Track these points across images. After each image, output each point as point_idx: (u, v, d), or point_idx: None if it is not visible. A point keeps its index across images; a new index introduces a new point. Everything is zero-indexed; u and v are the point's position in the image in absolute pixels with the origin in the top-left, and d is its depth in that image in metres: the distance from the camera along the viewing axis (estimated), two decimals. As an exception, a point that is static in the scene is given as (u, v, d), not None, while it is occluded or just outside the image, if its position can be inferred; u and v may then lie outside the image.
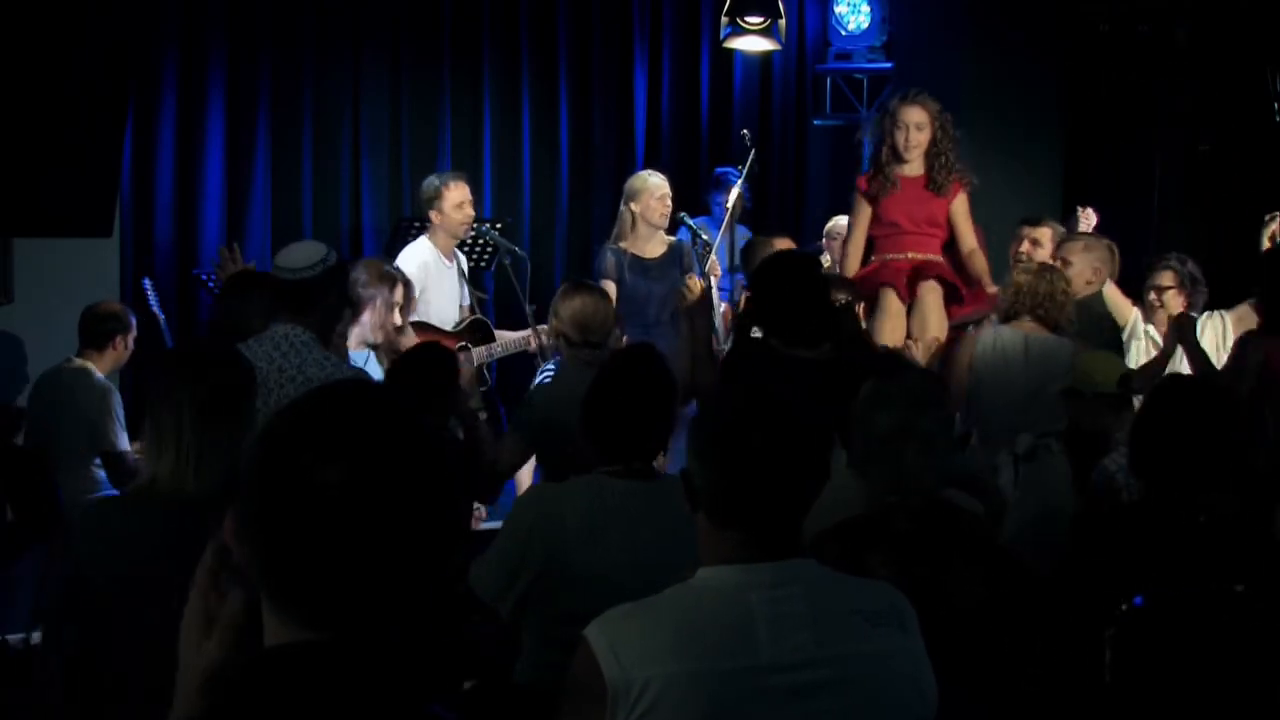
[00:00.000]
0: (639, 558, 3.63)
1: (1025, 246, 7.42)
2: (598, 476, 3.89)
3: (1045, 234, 7.59)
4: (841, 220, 8.28)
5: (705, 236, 8.15)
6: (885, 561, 3.22)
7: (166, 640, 1.85)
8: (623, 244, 7.97)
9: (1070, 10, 9.28)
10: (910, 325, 6.97)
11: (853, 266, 7.15)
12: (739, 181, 8.47)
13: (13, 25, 5.66)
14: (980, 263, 7.29)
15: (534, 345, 7.41)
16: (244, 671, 1.70)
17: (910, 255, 7.13)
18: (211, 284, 8.89)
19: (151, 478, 3.46)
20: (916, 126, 7.10)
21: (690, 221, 8.14)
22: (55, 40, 5.77)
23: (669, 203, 8.07)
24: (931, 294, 6.97)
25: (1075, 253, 6.97)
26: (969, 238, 7.33)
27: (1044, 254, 7.42)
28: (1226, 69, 8.87)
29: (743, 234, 8.90)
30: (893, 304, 6.96)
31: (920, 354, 6.42)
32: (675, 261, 7.97)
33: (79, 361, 6.95)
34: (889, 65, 10.50)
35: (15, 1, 5.71)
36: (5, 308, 7.62)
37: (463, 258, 8.05)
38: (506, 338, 7.85)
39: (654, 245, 7.94)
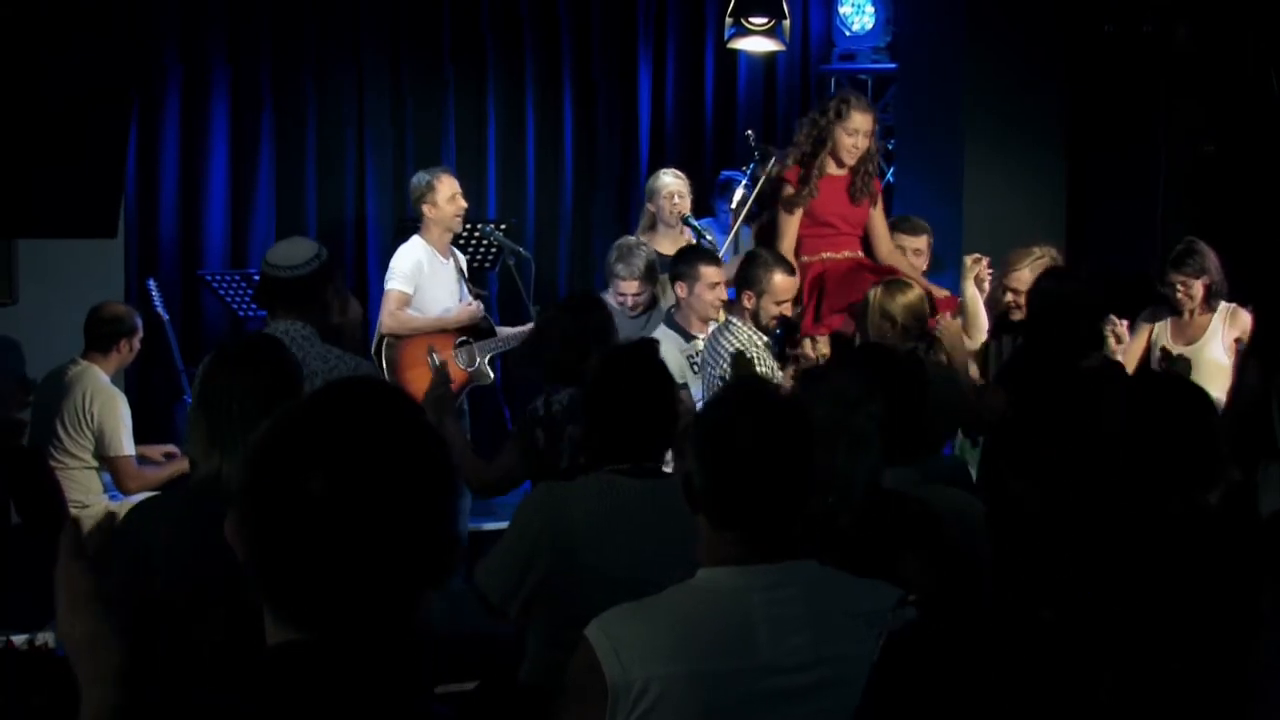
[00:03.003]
0: (648, 558, 3.57)
1: (910, 258, 7.42)
2: (606, 475, 3.85)
3: (923, 242, 7.62)
4: (665, 178, 8.22)
5: (710, 238, 8.15)
6: (834, 561, 3.19)
7: (240, 631, 1.85)
8: (643, 239, 7.98)
9: (1074, 11, 9.27)
10: None
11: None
12: (744, 183, 8.47)
13: (15, 24, 5.67)
14: (905, 263, 7.36)
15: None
16: (239, 673, 1.71)
17: (847, 255, 7.15)
18: (216, 284, 8.91)
19: (214, 473, 3.44)
20: (865, 134, 7.11)
21: (694, 223, 8.14)
22: (58, 40, 5.77)
23: (677, 201, 8.06)
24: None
25: (1024, 281, 6.79)
26: (888, 241, 7.40)
27: (923, 263, 7.51)
28: (1231, 69, 8.85)
29: (746, 235, 8.89)
30: None
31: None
32: None
33: (83, 363, 6.94)
34: (893, 66, 10.50)
35: (18, 1, 5.72)
36: (9, 308, 7.63)
37: (460, 255, 8.02)
38: (506, 332, 7.84)
39: (670, 243, 7.94)
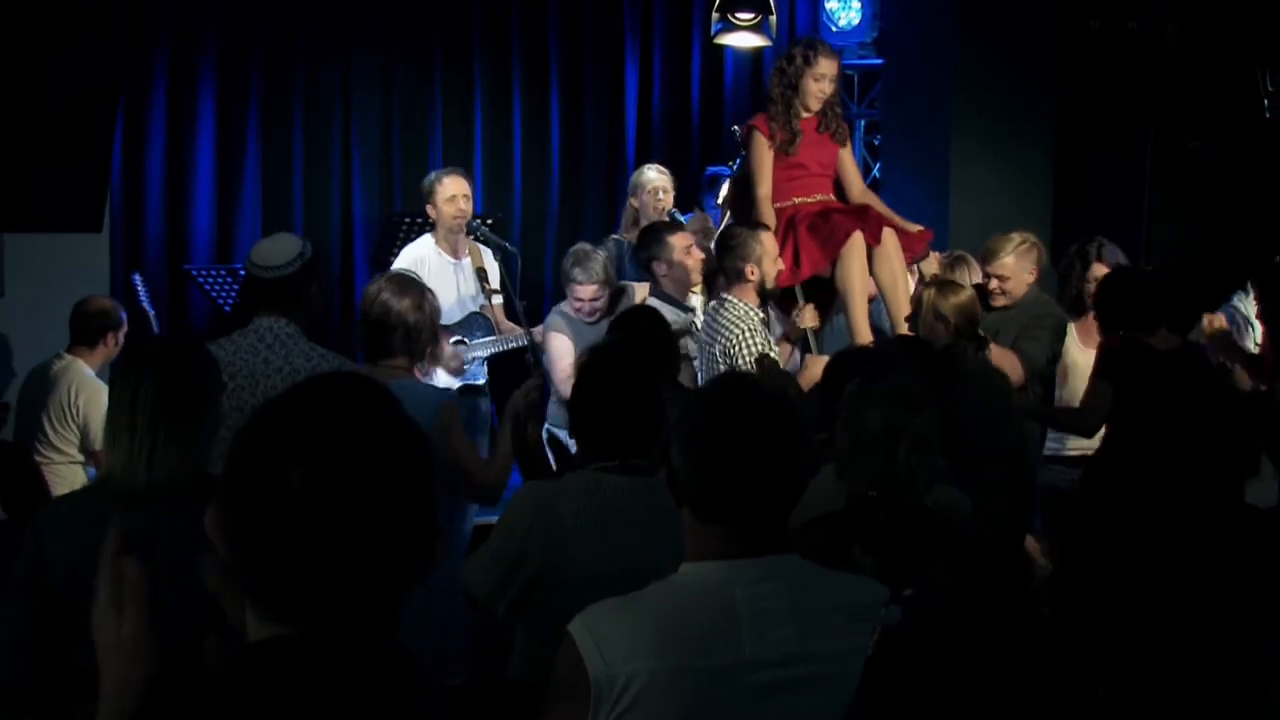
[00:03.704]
0: (637, 555, 3.55)
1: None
2: (594, 473, 3.83)
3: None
4: (649, 173, 8.23)
5: (693, 233, 8.15)
6: (866, 552, 3.21)
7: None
8: (627, 236, 7.96)
9: (1061, 7, 9.29)
10: (876, 272, 6.97)
11: (769, 211, 7.10)
12: (730, 177, 8.47)
13: (15, 24, 5.65)
14: (879, 201, 7.46)
15: (525, 341, 7.38)
16: (223, 667, 1.70)
17: (819, 198, 7.18)
18: (201, 279, 8.90)
19: (107, 473, 3.44)
20: (831, 79, 7.16)
21: (680, 218, 8.14)
22: (45, 35, 5.76)
23: (661, 197, 8.05)
24: (891, 239, 7.00)
25: (1007, 269, 6.88)
26: (859, 180, 7.49)
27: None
28: (1217, 66, 8.87)
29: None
30: (860, 248, 6.95)
31: (902, 303, 6.57)
32: None
33: (68, 357, 6.93)
34: (880, 61, 10.51)
35: (18, 1, 5.71)
36: (-5, 303, 7.63)
37: (487, 254, 7.86)
38: (505, 330, 7.78)
39: None
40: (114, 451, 3.42)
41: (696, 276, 6.96)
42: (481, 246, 7.82)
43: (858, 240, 6.85)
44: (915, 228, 7.14)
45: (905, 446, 3.54)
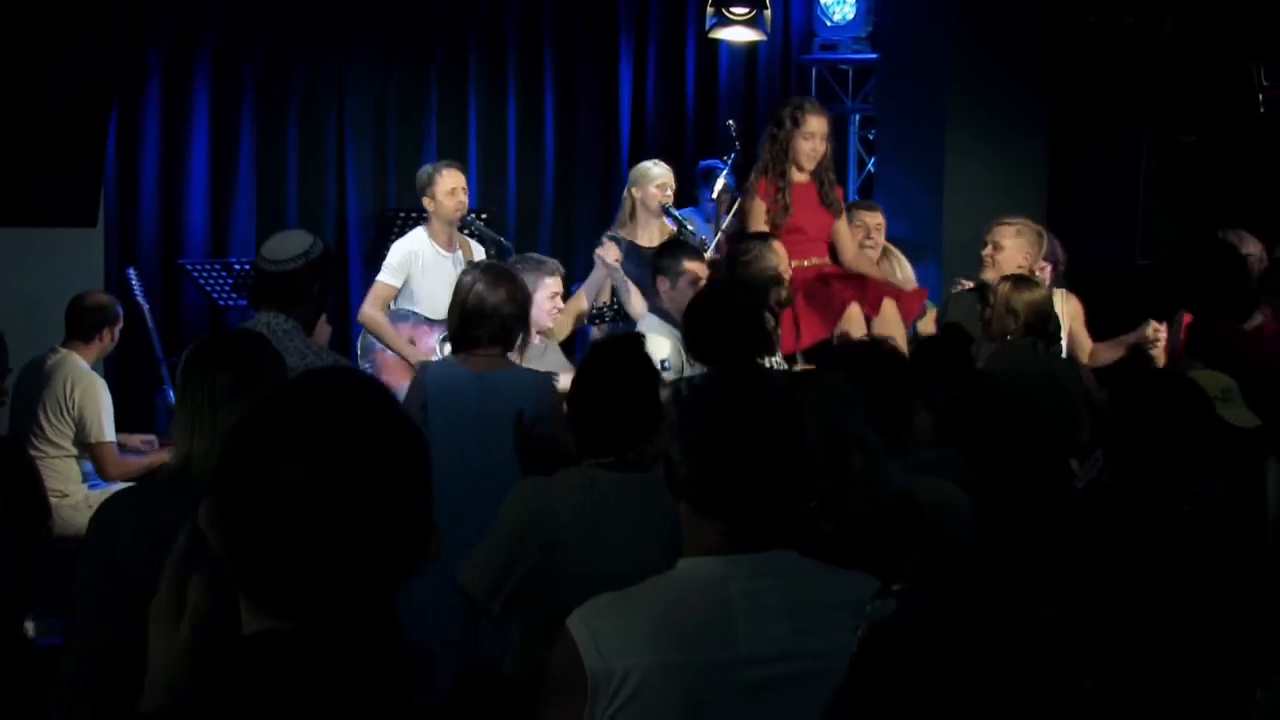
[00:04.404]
0: (633, 551, 3.54)
1: (873, 234, 7.65)
2: (590, 469, 3.84)
3: (881, 218, 7.86)
4: (655, 168, 8.18)
5: (691, 227, 8.12)
6: (825, 557, 3.17)
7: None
8: (622, 231, 7.94)
9: (1057, 2, 9.29)
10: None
11: None
12: (724, 173, 8.46)
13: (15, 24, 5.66)
14: (872, 266, 7.50)
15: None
16: (213, 661, 1.71)
17: (812, 262, 7.21)
18: (196, 273, 8.89)
19: (184, 461, 3.44)
20: (821, 137, 7.18)
21: (675, 213, 8.11)
22: (40, 31, 5.76)
23: (668, 192, 8.02)
24: (890, 308, 7.06)
25: (1007, 237, 7.01)
26: (853, 247, 7.51)
27: (880, 238, 7.72)
28: (1212, 61, 8.88)
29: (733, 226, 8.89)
30: (858, 320, 7.00)
31: None
32: None
33: (63, 351, 6.93)
34: (874, 56, 10.51)
35: (18, 1, 5.71)
36: (-11, 297, 7.61)
37: (478, 248, 7.89)
38: None
39: (652, 234, 7.90)
40: (194, 441, 3.41)
41: None
42: (472, 241, 7.83)
43: (855, 312, 6.90)
44: (911, 288, 7.17)
45: (860, 454, 3.47)
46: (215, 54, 9.76)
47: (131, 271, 8.48)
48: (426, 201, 7.67)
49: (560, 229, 10.86)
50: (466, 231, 8.25)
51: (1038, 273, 7.03)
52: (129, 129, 9.48)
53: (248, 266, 8.06)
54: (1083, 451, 5.63)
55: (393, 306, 7.57)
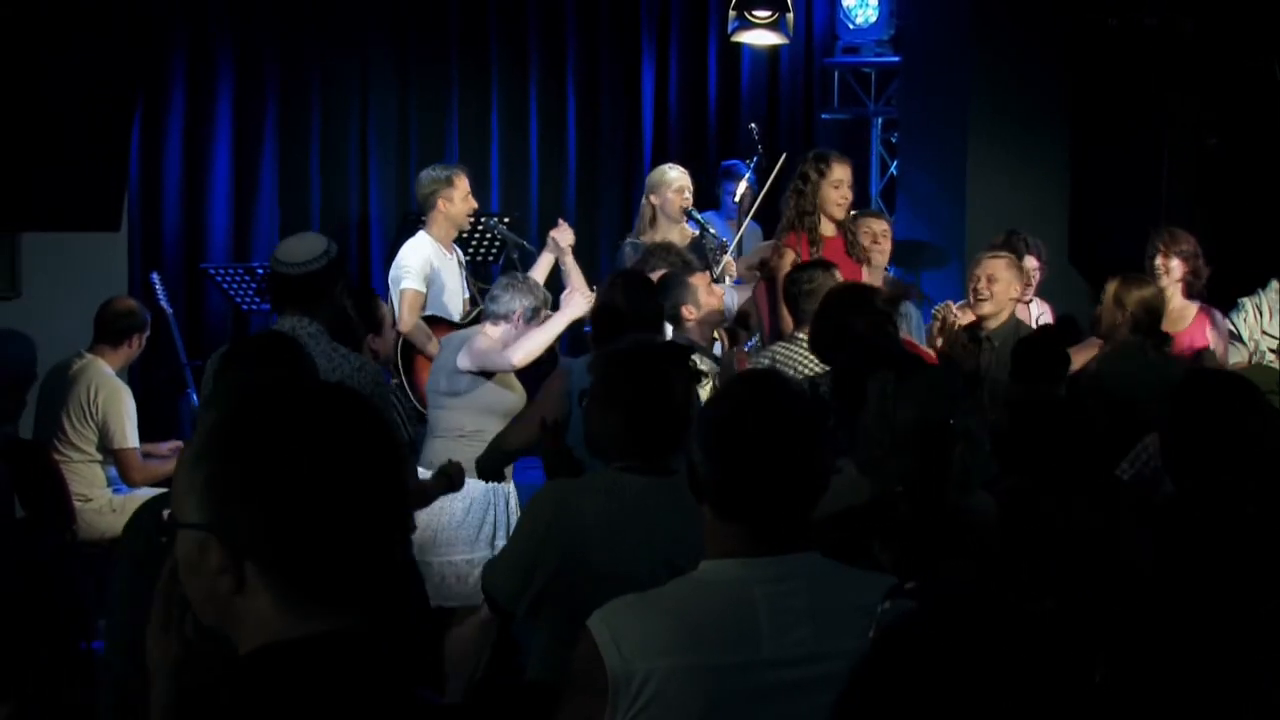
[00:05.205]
0: (657, 555, 3.55)
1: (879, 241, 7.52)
2: (615, 473, 3.83)
3: (887, 227, 7.77)
4: (671, 172, 8.14)
5: (713, 231, 8.13)
6: (885, 548, 3.21)
7: None
8: (643, 238, 7.93)
9: (1077, 4, 9.27)
10: None
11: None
12: (747, 174, 8.46)
13: (21, 19, 5.67)
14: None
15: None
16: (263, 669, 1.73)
17: None
18: (219, 277, 8.91)
19: None
20: (849, 185, 7.12)
21: (697, 215, 8.11)
22: (64, 34, 5.78)
23: (687, 196, 8.00)
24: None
25: (1000, 269, 6.93)
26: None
27: (887, 245, 7.59)
28: (1234, 62, 8.85)
29: (753, 230, 8.89)
30: None
31: None
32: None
33: (89, 356, 6.94)
34: (897, 59, 10.50)
35: (19, 1, 5.73)
36: (13, 302, 7.63)
37: (459, 250, 7.99)
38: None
39: (673, 239, 7.88)
40: None
41: (718, 317, 6.69)
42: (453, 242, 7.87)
43: None
44: (929, 351, 7.10)
45: (962, 445, 3.52)
46: (237, 58, 9.80)
47: (155, 276, 8.51)
48: (441, 204, 7.64)
49: (582, 232, 10.82)
50: (490, 236, 8.27)
51: (1028, 291, 7.07)
52: (152, 134, 9.52)
53: (271, 270, 8.08)
54: None
55: None
